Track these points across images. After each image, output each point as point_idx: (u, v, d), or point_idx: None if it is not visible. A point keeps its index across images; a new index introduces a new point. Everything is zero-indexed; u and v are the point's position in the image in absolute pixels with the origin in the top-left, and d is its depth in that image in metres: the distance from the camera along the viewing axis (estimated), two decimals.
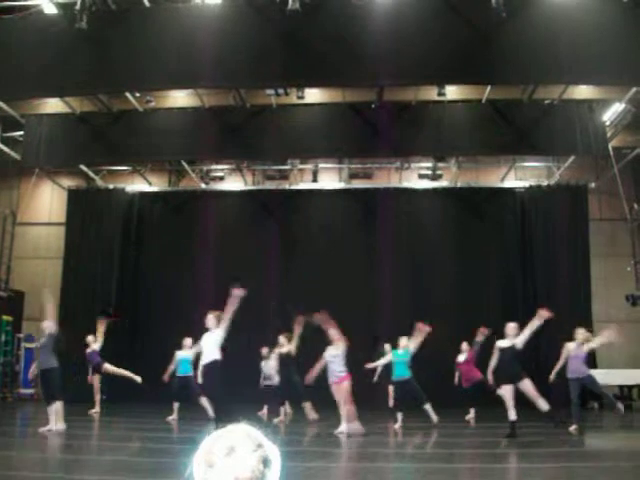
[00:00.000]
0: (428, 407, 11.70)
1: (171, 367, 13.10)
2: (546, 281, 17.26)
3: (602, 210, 18.49)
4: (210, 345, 9.52)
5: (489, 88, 15.30)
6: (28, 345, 18.72)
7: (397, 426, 11.44)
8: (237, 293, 9.08)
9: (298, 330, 12.21)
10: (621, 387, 15.95)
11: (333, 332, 10.57)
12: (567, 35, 11.07)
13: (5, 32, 12.34)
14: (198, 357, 10.61)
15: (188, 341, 12.97)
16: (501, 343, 10.15)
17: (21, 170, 18.98)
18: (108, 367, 13.68)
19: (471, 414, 12.94)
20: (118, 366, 13.62)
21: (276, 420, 12.41)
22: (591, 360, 16.58)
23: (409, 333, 11.62)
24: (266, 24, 11.67)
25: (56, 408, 10.07)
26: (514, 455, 8.71)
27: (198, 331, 10.45)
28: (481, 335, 12.48)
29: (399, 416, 11.51)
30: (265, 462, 1.36)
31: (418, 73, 11.77)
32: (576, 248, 17.40)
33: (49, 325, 10.39)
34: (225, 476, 1.32)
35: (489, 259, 18.10)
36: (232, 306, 9.17)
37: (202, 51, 11.34)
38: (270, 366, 13.22)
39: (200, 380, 9.68)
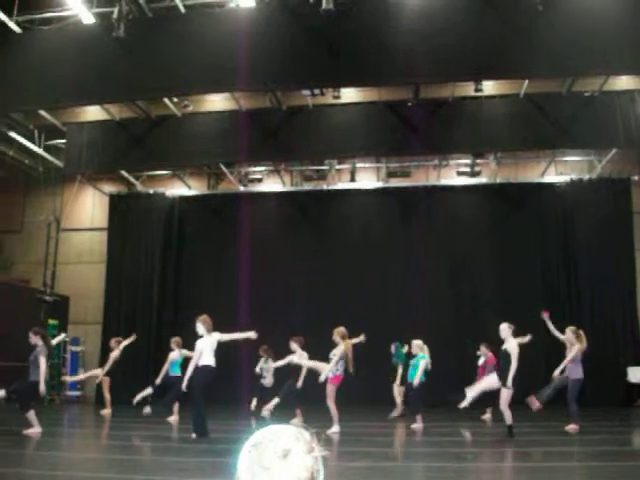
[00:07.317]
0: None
1: (164, 369, 13.02)
2: (589, 277, 16.95)
3: None
4: (207, 349, 9.86)
5: (527, 82, 15.10)
6: (73, 349, 19.12)
7: (416, 426, 11.34)
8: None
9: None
10: None
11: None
12: (606, 25, 10.85)
13: (45, 43, 12.63)
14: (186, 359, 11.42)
15: (178, 340, 13.18)
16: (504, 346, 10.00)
17: (63, 177, 19.41)
18: (106, 379, 14.09)
19: (487, 414, 12.85)
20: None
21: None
22: None
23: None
24: (300, 25, 11.71)
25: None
26: (556, 454, 8.58)
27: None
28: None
29: (418, 417, 11.39)
30: (319, 463, 1.38)
31: (454, 69, 11.66)
32: (620, 242, 17.04)
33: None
34: (285, 478, 1.33)
35: (530, 256, 17.79)
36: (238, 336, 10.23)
37: (238, 54, 11.41)
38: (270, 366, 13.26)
39: (186, 382, 9.92)
